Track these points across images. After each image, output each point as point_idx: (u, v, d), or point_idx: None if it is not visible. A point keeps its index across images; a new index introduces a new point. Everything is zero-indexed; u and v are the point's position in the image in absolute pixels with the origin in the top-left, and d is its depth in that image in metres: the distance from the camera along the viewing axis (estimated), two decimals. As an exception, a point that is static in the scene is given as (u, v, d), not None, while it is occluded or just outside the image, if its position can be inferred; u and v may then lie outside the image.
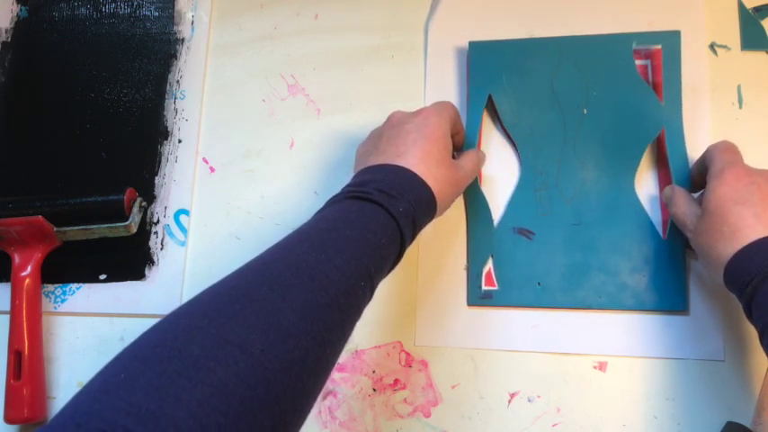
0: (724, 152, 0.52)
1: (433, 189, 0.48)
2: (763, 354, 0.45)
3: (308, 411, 0.38)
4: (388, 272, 0.46)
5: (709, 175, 0.51)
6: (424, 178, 0.48)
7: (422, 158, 0.49)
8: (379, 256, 0.43)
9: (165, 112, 0.65)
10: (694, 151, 0.57)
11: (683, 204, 0.53)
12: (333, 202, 0.47)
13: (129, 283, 0.61)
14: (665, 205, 0.56)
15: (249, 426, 0.33)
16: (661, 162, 0.59)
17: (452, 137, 0.54)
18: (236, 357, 0.33)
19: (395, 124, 0.52)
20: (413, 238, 0.47)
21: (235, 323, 0.35)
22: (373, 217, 0.44)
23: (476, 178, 0.58)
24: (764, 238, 0.46)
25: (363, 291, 0.42)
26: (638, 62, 0.61)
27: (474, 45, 0.62)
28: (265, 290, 0.38)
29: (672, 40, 0.59)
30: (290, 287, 0.38)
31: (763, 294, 0.44)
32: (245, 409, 0.33)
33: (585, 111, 0.59)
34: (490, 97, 0.61)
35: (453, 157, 0.54)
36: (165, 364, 0.33)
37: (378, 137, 0.52)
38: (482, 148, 0.61)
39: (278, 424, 0.34)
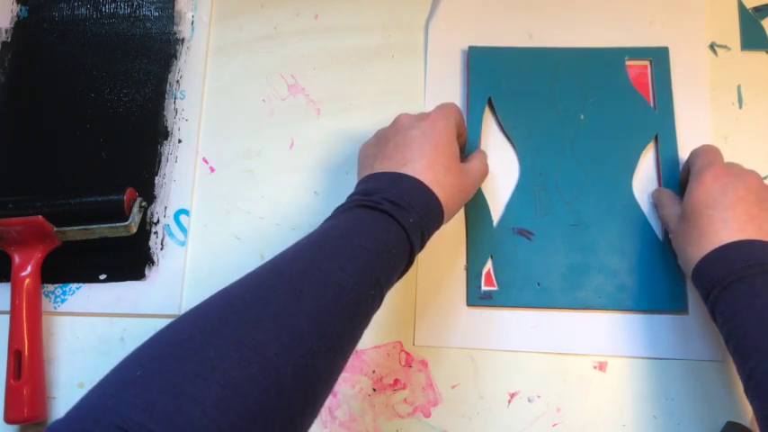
0: (704, 154, 0.53)
1: (440, 198, 0.48)
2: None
3: (316, 415, 0.38)
4: (396, 281, 0.46)
5: (690, 177, 0.52)
6: (431, 187, 0.48)
7: (429, 166, 0.48)
8: (389, 266, 0.44)
9: (165, 112, 0.65)
10: (694, 151, 0.57)
11: (668, 206, 0.54)
12: (342, 210, 0.47)
13: (129, 283, 0.61)
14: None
15: (261, 427, 0.33)
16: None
17: (456, 138, 0.54)
18: (250, 360, 0.34)
19: (401, 129, 0.51)
20: (421, 248, 0.48)
21: (250, 326, 0.36)
22: (385, 228, 0.44)
23: (476, 178, 0.58)
24: (727, 245, 0.47)
25: (373, 299, 0.42)
26: (639, 62, 0.61)
27: (474, 49, 0.62)
28: (280, 294, 0.38)
29: (660, 55, 0.61)
30: (304, 293, 0.39)
31: (724, 303, 0.46)
32: (258, 411, 0.33)
33: (583, 116, 0.60)
34: (490, 99, 0.61)
35: (460, 160, 0.54)
36: (180, 364, 0.33)
37: (384, 141, 0.52)
38: (482, 149, 0.61)
39: (288, 426, 0.35)
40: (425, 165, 0.48)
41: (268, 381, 0.34)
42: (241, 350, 0.34)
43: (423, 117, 0.52)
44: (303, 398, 0.36)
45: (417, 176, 0.48)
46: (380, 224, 0.45)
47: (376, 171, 0.49)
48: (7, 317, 0.57)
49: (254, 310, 0.37)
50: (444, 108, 0.54)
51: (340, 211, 0.47)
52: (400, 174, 0.48)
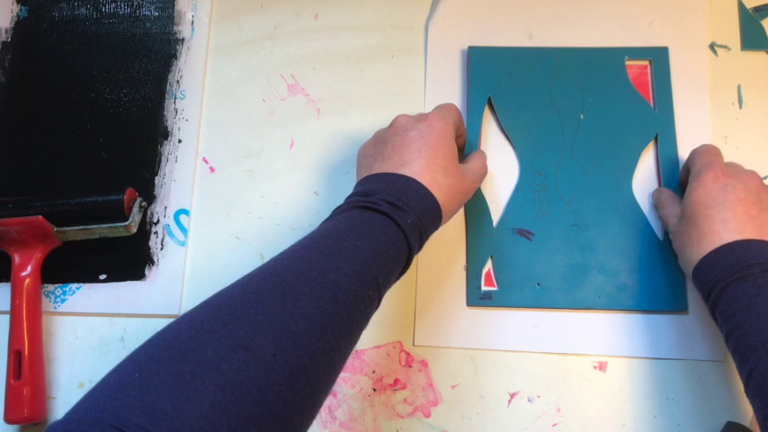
0: (704, 154, 0.53)
1: (438, 199, 0.48)
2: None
3: (314, 416, 0.38)
4: (395, 282, 0.46)
5: (690, 178, 0.52)
6: (429, 188, 0.48)
7: (427, 167, 0.48)
8: (387, 267, 0.44)
9: (165, 112, 0.65)
10: (694, 151, 0.57)
11: (668, 206, 0.54)
12: (340, 211, 0.47)
13: (129, 283, 0.61)
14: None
15: (259, 429, 0.33)
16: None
17: (455, 139, 0.54)
18: (248, 361, 0.34)
19: (399, 130, 0.51)
20: (419, 249, 0.48)
21: (247, 328, 0.36)
22: (382, 229, 0.44)
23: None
24: (727, 245, 0.47)
25: (371, 300, 0.42)
26: (639, 62, 0.61)
27: (474, 49, 0.62)
28: (277, 296, 0.38)
29: (660, 55, 0.61)
30: (302, 294, 0.39)
31: (725, 302, 0.46)
32: (255, 413, 0.33)
33: (582, 116, 0.60)
34: (489, 99, 0.61)
35: (459, 160, 0.54)
36: (178, 365, 0.33)
37: (382, 142, 0.52)
38: (482, 149, 0.61)
39: (286, 427, 0.35)
40: (424, 165, 0.48)
41: (266, 382, 0.34)
42: (239, 352, 0.34)
43: (421, 118, 0.52)
44: (301, 399, 0.36)
45: (416, 177, 0.48)
46: (378, 225, 0.45)
47: (374, 172, 0.49)
48: (7, 317, 0.57)
49: (251, 311, 0.37)
50: (443, 109, 0.54)
51: (338, 212, 0.47)
52: (398, 175, 0.48)
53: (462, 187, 0.51)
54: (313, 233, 0.44)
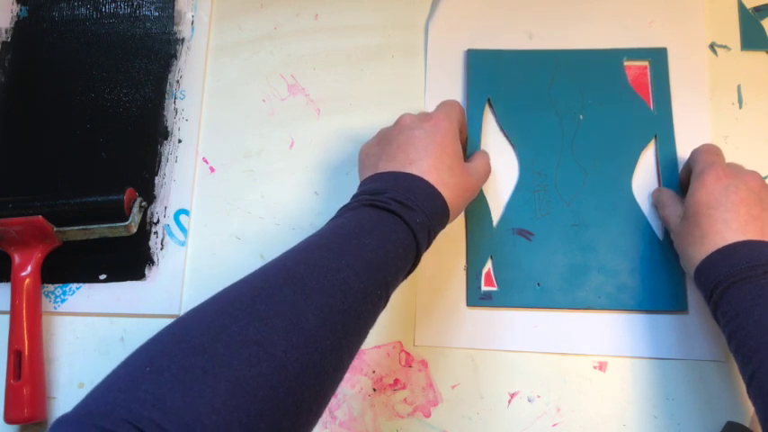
0: (705, 153, 0.53)
1: (446, 198, 0.48)
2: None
3: (321, 413, 0.38)
4: (402, 281, 0.46)
5: (692, 178, 0.52)
6: (437, 187, 0.48)
7: (434, 166, 0.48)
8: (396, 266, 0.44)
9: (165, 112, 0.65)
10: (694, 151, 0.57)
11: (669, 206, 0.54)
12: (348, 209, 0.46)
13: (129, 283, 0.61)
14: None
15: (269, 425, 0.33)
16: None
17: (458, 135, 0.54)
18: (259, 357, 0.34)
19: (404, 129, 0.51)
20: (427, 247, 0.48)
21: (258, 323, 0.36)
22: (392, 227, 0.44)
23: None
24: (730, 245, 0.47)
25: (380, 298, 0.42)
26: (638, 63, 0.61)
27: (473, 52, 0.62)
28: (288, 292, 0.38)
29: (659, 56, 0.61)
30: (312, 291, 0.39)
31: (727, 303, 0.46)
32: (266, 409, 0.33)
33: (582, 117, 0.60)
34: (489, 101, 0.61)
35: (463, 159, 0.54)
36: (190, 360, 0.33)
37: (387, 141, 0.52)
38: (483, 149, 0.61)
39: (295, 425, 0.35)
40: (430, 164, 0.48)
41: (277, 379, 0.34)
42: (250, 348, 0.34)
43: (426, 117, 0.52)
44: (310, 395, 0.36)
45: (423, 176, 0.48)
46: (388, 224, 0.45)
47: (380, 171, 0.49)
48: (7, 317, 0.57)
49: (262, 307, 0.37)
50: (446, 107, 0.53)
51: (346, 209, 0.47)
52: (406, 173, 0.48)
53: (468, 186, 0.51)
54: (322, 230, 0.44)
